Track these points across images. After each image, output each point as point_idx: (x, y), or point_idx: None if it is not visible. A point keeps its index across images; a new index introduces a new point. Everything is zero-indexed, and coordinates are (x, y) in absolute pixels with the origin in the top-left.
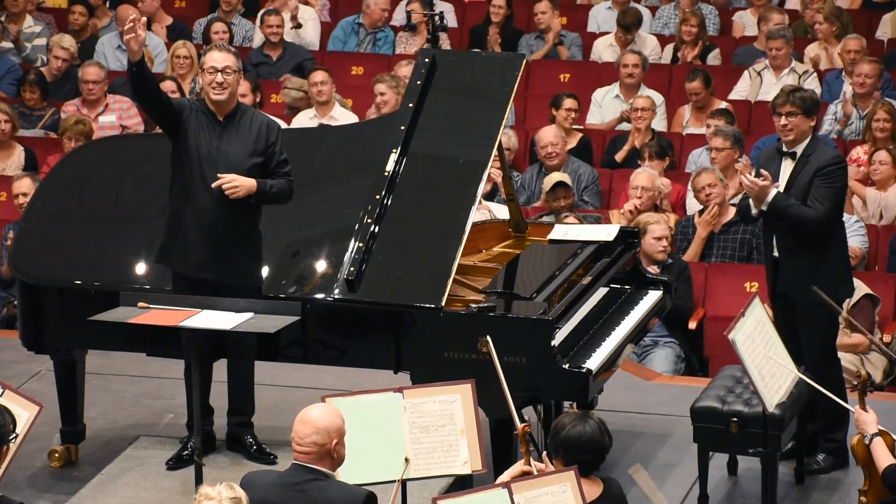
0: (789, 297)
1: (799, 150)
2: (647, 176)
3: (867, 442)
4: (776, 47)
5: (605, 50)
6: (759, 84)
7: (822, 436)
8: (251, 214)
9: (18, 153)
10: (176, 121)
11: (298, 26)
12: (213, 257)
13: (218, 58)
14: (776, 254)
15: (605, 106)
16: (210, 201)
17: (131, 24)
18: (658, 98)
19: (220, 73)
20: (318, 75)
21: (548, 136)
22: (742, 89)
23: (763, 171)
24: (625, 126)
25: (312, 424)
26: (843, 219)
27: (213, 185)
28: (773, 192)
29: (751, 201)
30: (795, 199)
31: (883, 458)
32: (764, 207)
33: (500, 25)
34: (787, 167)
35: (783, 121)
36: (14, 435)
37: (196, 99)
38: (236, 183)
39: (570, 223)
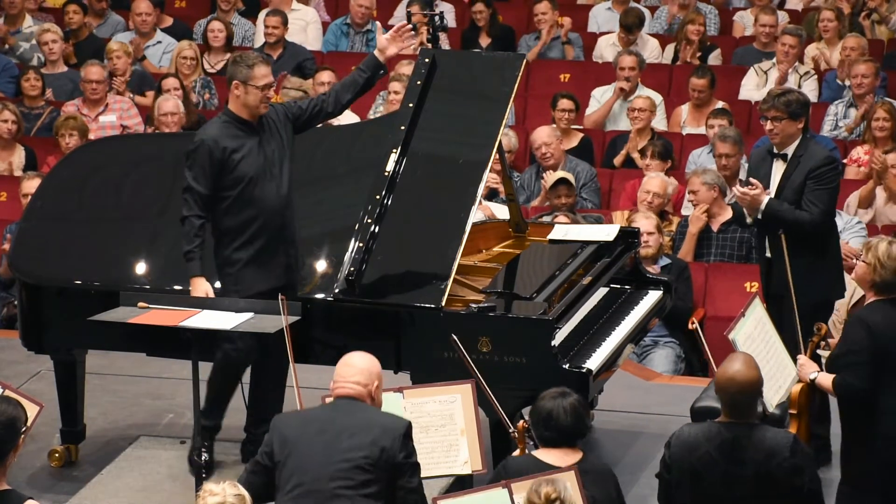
0: (783, 298)
1: (790, 151)
2: (660, 182)
3: (810, 380)
4: (790, 44)
5: (606, 49)
6: (766, 82)
7: None
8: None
9: (19, 153)
10: (222, 173)
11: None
12: (287, 264)
13: (266, 72)
14: (768, 254)
15: (605, 102)
16: (278, 210)
17: None
18: (657, 97)
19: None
20: (325, 75)
21: (541, 136)
22: (750, 86)
23: (753, 180)
24: (624, 126)
25: (355, 366)
26: (845, 219)
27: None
28: (765, 200)
29: (744, 209)
30: (788, 199)
31: (827, 380)
32: (759, 216)
33: (487, 28)
34: (778, 168)
35: (769, 125)
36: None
37: (222, 114)
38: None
39: (564, 222)
